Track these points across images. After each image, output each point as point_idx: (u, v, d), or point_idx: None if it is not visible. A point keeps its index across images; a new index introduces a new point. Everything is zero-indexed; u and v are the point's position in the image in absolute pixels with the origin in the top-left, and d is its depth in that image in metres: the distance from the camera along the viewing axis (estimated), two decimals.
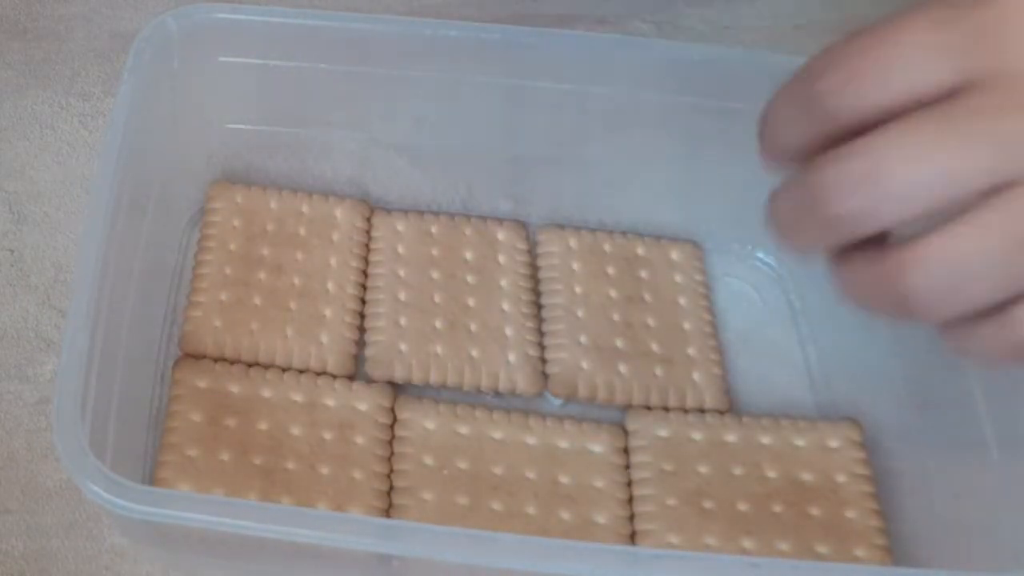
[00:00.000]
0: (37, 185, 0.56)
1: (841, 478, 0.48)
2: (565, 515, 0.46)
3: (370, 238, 0.54)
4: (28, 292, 0.52)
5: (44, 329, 0.51)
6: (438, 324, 0.52)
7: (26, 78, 0.60)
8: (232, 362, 0.49)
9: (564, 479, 0.47)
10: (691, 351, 0.52)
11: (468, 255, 0.54)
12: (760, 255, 0.56)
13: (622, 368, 0.51)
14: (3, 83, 0.59)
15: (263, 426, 0.47)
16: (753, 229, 0.55)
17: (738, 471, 0.48)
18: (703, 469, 0.48)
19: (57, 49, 0.61)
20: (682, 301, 0.53)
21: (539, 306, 0.53)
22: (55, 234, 0.54)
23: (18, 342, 0.51)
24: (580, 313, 0.52)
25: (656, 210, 0.55)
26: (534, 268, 0.54)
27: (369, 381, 0.50)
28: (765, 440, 0.49)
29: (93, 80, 0.60)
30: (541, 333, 0.52)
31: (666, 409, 0.50)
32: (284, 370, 0.49)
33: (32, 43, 0.61)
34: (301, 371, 0.49)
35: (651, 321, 0.53)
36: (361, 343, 0.51)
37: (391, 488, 0.47)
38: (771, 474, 0.48)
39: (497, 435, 0.48)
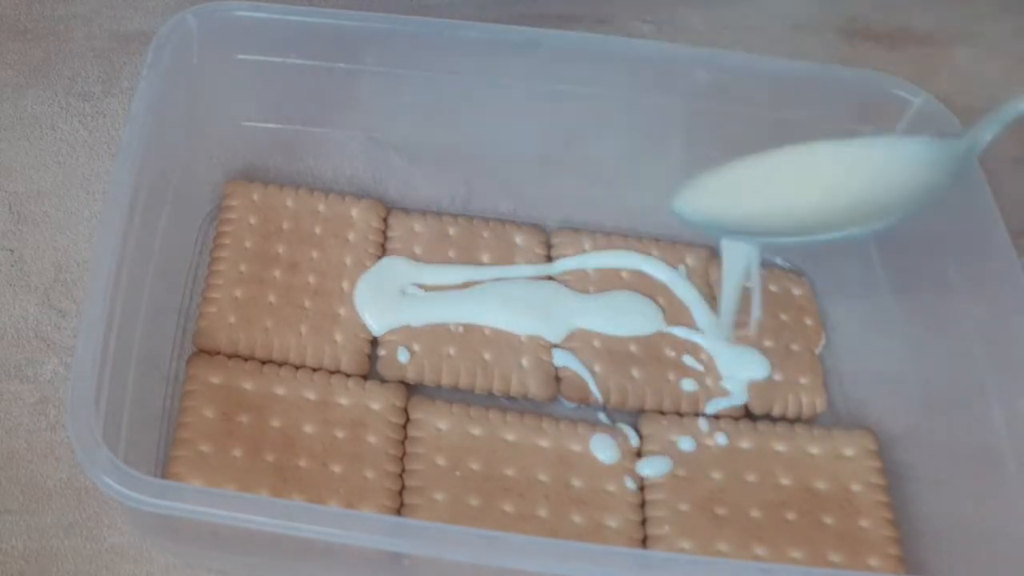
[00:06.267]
0: (37, 185, 0.56)
1: (855, 487, 0.48)
2: (577, 518, 0.46)
3: (386, 238, 0.54)
4: (28, 292, 0.52)
5: (44, 329, 0.51)
6: (452, 327, 0.51)
7: (26, 78, 0.60)
8: (246, 359, 0.49)
9: (576, 482, 0.47)
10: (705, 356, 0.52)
11: (485, 258, 0.54)
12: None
13: (635, 372, 0.51)
14: (3, 83, 0.59)
15: (276, 423, 0.47)
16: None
17: (752, 478, 0.48)
18: (716, 475, 0.48)
19: (57, 49, 0.61)
20: None
21: None
22: (55, 234, 0.54)
23: (18, 342, 0.51)
24: None
25: (664, 212, 0.55)
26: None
27: (382, 381, 0.50)
28: (779, 447, 0.49)
29: (93, 80, 0.60)
30: None
31: (679, 414, 0.50)
32: (298, 368, 0.49)
33: (32, 43, 0.61)
34: (315, 369, 0.49)
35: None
36: (375, 342, 0.51)
37: (403, 488, 0.47)
38: (785, 481, 0.48)
39: (510, 437, 0.48)
